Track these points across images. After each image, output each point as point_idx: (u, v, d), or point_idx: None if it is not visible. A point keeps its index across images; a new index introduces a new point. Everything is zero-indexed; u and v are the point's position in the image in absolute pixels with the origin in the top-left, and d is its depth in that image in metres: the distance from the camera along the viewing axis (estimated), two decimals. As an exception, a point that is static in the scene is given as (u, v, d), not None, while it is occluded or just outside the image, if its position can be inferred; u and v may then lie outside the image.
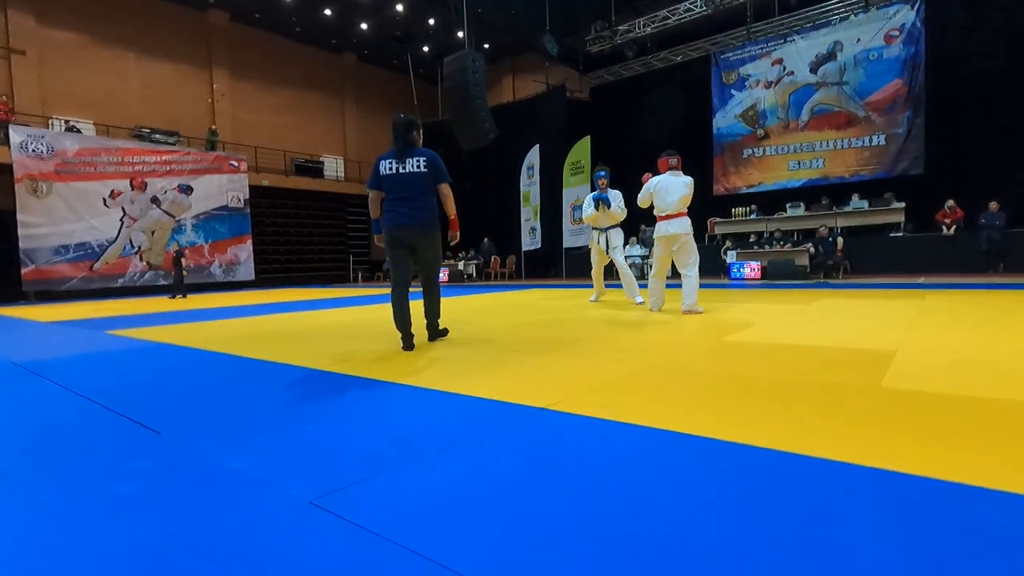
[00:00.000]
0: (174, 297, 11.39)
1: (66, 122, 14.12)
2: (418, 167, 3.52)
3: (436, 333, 3.86)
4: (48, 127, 13.78)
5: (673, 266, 5.44)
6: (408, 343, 3.56)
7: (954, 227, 10.45)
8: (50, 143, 13.04)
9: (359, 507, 1.25)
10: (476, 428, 1.85)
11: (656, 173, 5.47)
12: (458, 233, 3.87)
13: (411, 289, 3.69)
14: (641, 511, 1.19)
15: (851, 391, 2.12)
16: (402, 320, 3.56)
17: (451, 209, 3.72)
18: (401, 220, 3.53)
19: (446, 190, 3.64)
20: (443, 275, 15.89)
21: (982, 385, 2.14)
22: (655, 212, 5.34)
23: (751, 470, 1.40)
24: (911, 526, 1.09)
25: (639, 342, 3.54)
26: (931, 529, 1.07)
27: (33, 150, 12.71)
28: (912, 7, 11.93)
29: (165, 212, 14.93)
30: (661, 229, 5.27)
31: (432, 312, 3.83)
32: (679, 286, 5.31)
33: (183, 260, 11.93)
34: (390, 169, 3.56)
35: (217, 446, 1.76)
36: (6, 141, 12.65)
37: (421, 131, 3.70)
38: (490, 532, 1.12)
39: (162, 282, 14.84)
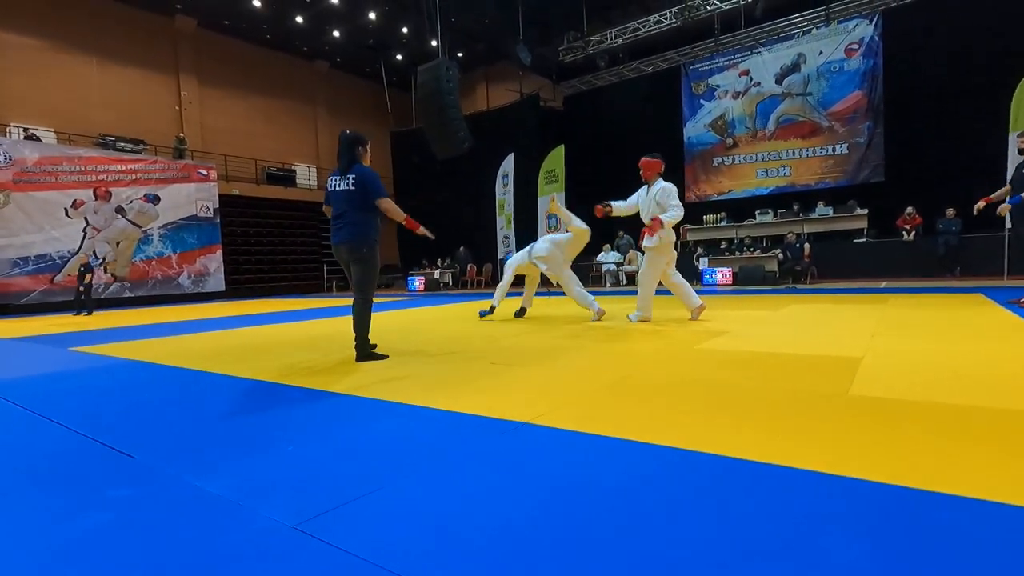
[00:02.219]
0: (78, 314, 10.36)
1: (25, 130, 13.64)
2: (348, 185, 3.60)
3: (363, 353, 3.66)
4: (5, 135, 13.28)
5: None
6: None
7: (913, 233, 10.87)
8: (8, 151, 12.56)
9: (345, 531, 1.25)
10: (459, 445, 1.86)
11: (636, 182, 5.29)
12: (419, 227, 3.97)
13: (375, 300, 3.85)
14: (627, 528, 1.22)
15: (821, 399, 2.20)
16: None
17: (398, 217, 3.76)
18: (334, 237, 3.66)
19: (385, 205, 3.66)
20: (419, 284, 15.83)
21: (944, 391, 2.23)
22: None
23: (730, 482, 1.44)
24: (885, 535, 1.14)
25: (616, 352, 3.60)
26: (905, 538, 1.13)
27: (-11, 159, 12.24)
28: (870, 22, 12.43)
29: (131, 222, 14.50)
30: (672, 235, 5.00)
31: (356, 327, 3.67)
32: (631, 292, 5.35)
33: (89, 275, 10.63)
34: (331, 186, 3.70)
35: (194, 469, 1.73)
36: (-40, 149, 12.16)
37: (367, 146, 3.76)
38: (479, 555, 1.14)
39: (128, 294, 14.41)
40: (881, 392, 2.25)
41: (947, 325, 4.14)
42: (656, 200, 4.99)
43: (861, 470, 1.46)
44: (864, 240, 11.45)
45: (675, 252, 5.16)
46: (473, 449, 1.80)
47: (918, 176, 11.83)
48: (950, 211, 10.23)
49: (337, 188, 3.64)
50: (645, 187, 5.20)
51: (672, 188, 4.97)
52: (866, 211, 11.71)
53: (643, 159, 5.18)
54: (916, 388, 2.30)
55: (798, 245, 10.99)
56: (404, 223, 3.82)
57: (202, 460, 1.82)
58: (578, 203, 15.79)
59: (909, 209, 11.05)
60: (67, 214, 13.41)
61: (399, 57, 19.79)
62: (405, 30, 17.75)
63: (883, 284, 9.07)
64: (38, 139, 13.65)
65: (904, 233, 10.96)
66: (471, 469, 1.63)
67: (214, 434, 2.14)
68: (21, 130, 13.62)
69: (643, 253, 5.23)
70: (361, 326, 3.68)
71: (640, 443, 1.77)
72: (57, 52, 14.66)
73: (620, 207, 5.32)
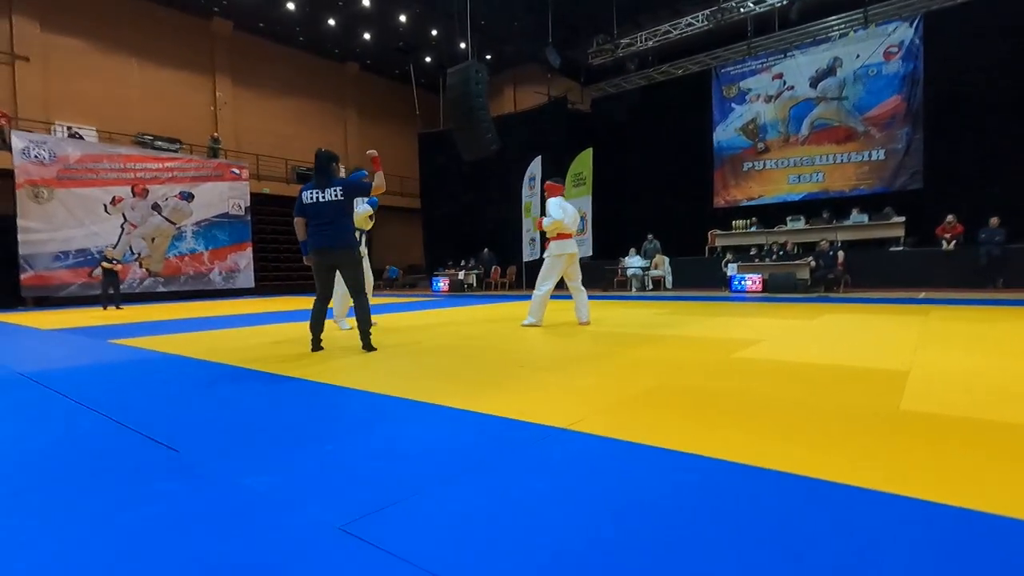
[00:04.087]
0: (106, 308, 10.61)
1: (69, 128, 14.13)
2: (336, 196, 3.99)
3: (369, 345, 4.11)
4: (51, 133, 13.78)
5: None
6: (315, 346, 4.14)
7: (954, 242, 10.51)
8: (52, 149, 13.04)
9: (391, 534, 1.24)
10: (497, 449, 1.84)
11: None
12: (379, 171, 4.16)
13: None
14: (680, 545, 1.19)
15: (870, 413, 2.12)
16: (315, 326, 4.16)
17: (383, 180, 4.17)
18: (324, 242, 4.02)
19: (377, 184, 4.12)
20: (444, 284, 15.90)
21: (1000, 409, 2.14)
22: (559, 231, 5.54)
23: (786, 497, 1.40)
24: (949, 558, 1.08)
25: (647, 358, 3.54)
26: (972, 563, 1.07)
27: (35, 156, 12.71)
28: (911, 24, 12.09)
29: (166, 219, 14.91)
30: (569, 247, 5.58)
31: (364, 322, 4.13)
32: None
33: (115, 270, 10.87)
34: (311, 198, 4.03)
35: (237, 465, 1.74)
36: (3, 146, 12.65)
37: (339, 163, 4.24)
38: (528, 564, 1.11)
39: (161, 289, 14.81)
40: (934, 408, 2.16)
41: (995, 339, 3.98)
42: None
43: (921, 489, 1.40)
44: (901, 249, 11.12)
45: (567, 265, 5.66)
46: (513, 454, 1.78)
47: (959, 183, 11.45)
48: (993, 220, 9.86)
49: (320, 200, 4.00)
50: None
51: (550, 202, 5.59)
52: (903, 219, 11.36)
53: (547, 183, 5.91)
54: (969, 405, 2.20)
55: (831, 253, 10.72)
56: (380, 172, 4.14)
57: (244, 455, 1.84)
58: (605, 206, 15.75)
59: (949, 217, 10.69)
60: (106, 210, 13.85)
61: (428, 59, 19.96)
62: (435, 32, 17.90)
63: (921, 295, 8.79)
64: (81, 137, 14.13)
65: (944, 242, 10.60)
66: (514, 476, 1.61)
67: (253, 429, 2.16)
68: (65, 128, 14.11)
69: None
70: (368, 319, 4.18)
71: (685, 454, 1.73)
72: (100, 53, 15.17)
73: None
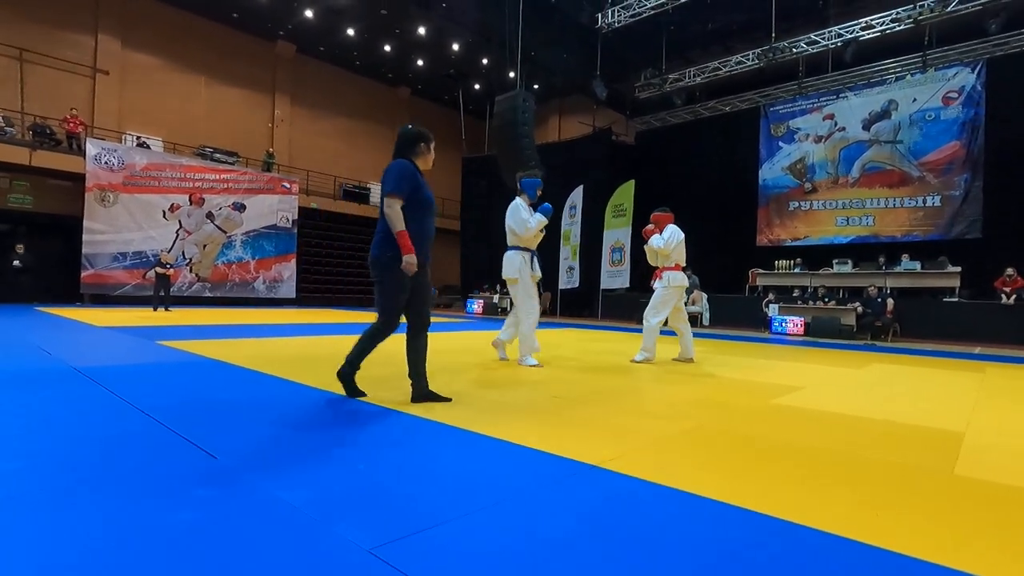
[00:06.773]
0: (156, 309, 11.18)
1: (138, 138, 15.02)
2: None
3: (419, 393, 3.02)
4: (121, 142, 14.67)
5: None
6: (349, 388, 3.13)
7: (1014, 296, 9.98)
8: (121, 157, 13.87)
9: (418, 562, 1.24)
10: (528, 482, 1.82)
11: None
12: (408, 256, 2.83)
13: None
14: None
15: (921, 475, 2.01)
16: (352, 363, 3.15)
17: (394, 224, 2.84)
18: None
19: (386, 205, 2.86)
20: (477, 307, 15.97)
21: (1066, 482, 1.99)
22: (670, 262, 5.37)
23: (827, 560, 1.33)
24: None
25: (685, 398, 3.46)
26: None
27: (105, 162, 13.54)
28: (973, 70, 11.75)
29: (218, 227, 15.57)
30: (681, 280, 5.34)
31: (410, 362, 3.05)
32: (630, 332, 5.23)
33: (168, 274, 11.68)
34: None
35: (272, 476, 1.77)
36: (78, 152, 13.54)
37: (430, 145, 3.06)
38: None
39: (207, 294, 15.38)
40: (991, 475, 2.03)
41: (1061, 404, 3.73)
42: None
43: (976, 565, 1.31)
44: (956, 300, 10.61)
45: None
46: (544, 488, 1.76)
47: (1020, 235, 10.91)
48: (1059, 276, 9.34)
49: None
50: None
51: (667, 229, 5.42)
52: (959, 269, 10.87)
53: (655, 214, 5.57)
54: (1033, 475, 2.06)
55: (879, 299, 10.32)
56: (396, 236, 2.85)
57: (278, 466, 1.87)
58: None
59: (1009, 270, 10.18)
60: (164, 216, 14.58)
61: (477, 86, 20.48)
62: (485, 61, 18.40)
63: (977, 350, 8.34)
64: (148, 147, 15.00)
65: (1003, 296, 10.07)
66: (544, 511, 1.58)
67: (288, 440, 2.20)
68: (134, 138, 15.01)
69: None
70: (416, 360, 3.05)
71: (721, 503, 1.67)
72: (172, 70, 16.18)
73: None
